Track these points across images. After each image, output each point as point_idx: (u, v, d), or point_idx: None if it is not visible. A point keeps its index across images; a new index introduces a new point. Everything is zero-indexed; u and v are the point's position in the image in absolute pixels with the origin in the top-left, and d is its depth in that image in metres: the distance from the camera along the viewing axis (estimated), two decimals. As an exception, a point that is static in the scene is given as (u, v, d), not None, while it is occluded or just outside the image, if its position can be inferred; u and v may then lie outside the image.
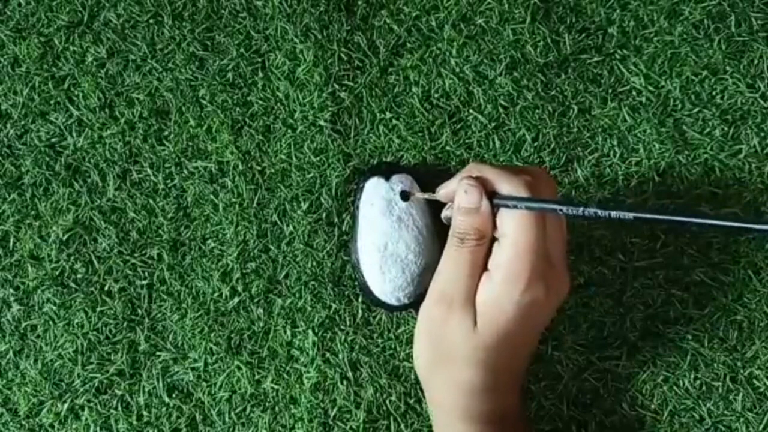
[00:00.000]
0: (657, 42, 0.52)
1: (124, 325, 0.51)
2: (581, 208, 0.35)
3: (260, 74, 0.54)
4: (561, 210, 0.36)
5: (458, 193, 0.39)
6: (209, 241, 0.52)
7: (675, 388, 0.49)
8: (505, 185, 0.37)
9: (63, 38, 0.55)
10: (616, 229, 0.50)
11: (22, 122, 0.54)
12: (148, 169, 0.53)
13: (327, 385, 0.50)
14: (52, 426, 0.50)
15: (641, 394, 0.49)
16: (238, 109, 0.53)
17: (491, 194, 0.38)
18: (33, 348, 0.51)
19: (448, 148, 0.52)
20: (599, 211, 0.35)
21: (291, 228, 0.52)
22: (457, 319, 0.38)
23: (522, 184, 0.37)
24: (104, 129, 0.54)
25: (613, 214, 0.34)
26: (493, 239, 0.38)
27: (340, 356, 0.50)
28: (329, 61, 0.53)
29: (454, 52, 0.53)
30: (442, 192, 0.42)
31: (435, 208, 0.50)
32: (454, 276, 0.38)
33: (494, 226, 0.38)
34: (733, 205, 0.50)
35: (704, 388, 0.49)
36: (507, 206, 0.37)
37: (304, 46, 0.53)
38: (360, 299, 0.50)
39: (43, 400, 0.51)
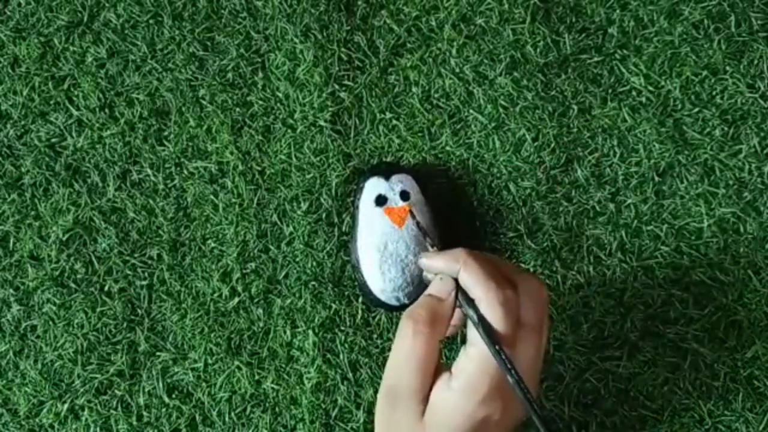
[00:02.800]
0: (657, 42, 0.52)
1: (124, 325, 0.51)
2: (519, 389, 0.33)
3: (260, 74, 0.54)
4: (508, 374, 0.34)
5: (435, 279, 0.38)
6: (209, 242, 0.52)
7: (675, 388, 0.49)
8: (480, 294, 0.35)
9: (63, 38, 0.55)
10: (616, 229, 0.50)
11: (22, 122, 0.54)
12: (148, 170, 0.53)
13: (328, 386, 0.50)
14: (52, 426, 0.50)
15: (642, 395, 0.49)
16: (238, 109, 0.53)
17: (464, 292, 0.36)
18: (33, 348, 0.51)
19: (448, 148, 0.52)
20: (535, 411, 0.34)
21: (291, 228, 0.52)
22: (401, 413, 0.36)
23: (497, 303, 0.34)
24: (104, 129, 0.54)
25: None
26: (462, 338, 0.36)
27: (341, 357, 0.50)
28: (329, 61, 0.53)
29: (454, 52, 0.53)
30: (424, 261, 0.39)
31: (435, 208, 0.50)
32: (400, 371, 0.36)
33: (464, 324, 0.36)
34: (732, 206, 0.50)
35: (704, 388, 0.48)
36: (466, 315, 0.36)
37: (304, 46, 0.53)
38: (360, 300, 0.50)
39: (43, 400, 0.51)
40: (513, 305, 0.35)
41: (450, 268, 0.37)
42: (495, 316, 0.34)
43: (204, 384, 0.50)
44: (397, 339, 0.37)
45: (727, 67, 0.52)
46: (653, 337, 0.49)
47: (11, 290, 0.52)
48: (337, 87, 0.53)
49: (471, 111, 0.52)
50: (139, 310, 0.51)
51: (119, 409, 0.50)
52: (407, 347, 0.36)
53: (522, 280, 0.36)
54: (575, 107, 0.52)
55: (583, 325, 0.49)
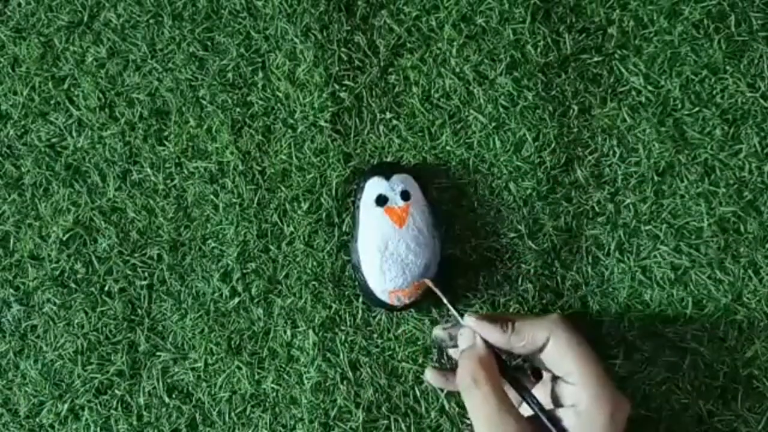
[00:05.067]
0: (657, 42, 0.52)
1: (124, 325, 0.51)
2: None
3: (260, 74, 0.54)
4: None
5: (461, 334, 0.42)
6: (209, 242, 0.52)
7: (674, 387, 0.49)
8: (485, 333, 0.40)
9: (63, 38, 0.55)
10: (614, 229, 0.50)
11: (22, 122, 0.54)
12: (148, 170, 0.53)
13: (327, 386, 0.50)
14: (52, 426, 0.50)
15: (640, 394, 0.49)
16: (238, 109, 0.53)
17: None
18: (33, 348, 0.51)
19: (448, 148, 0.52)
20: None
21: (291, 228, 0.52)
22: None
23: (495, 332, 0.40)
24: (104, 129, 0.54)
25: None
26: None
27: (341, 356, 0.50)
28: (329, 61, 0.53)
29: (454, 52, 0.53)
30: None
31: (435, 208, 0.50)
32: (494, 422, 0.37)
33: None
34: (733, 205, 0.50)
35: (703, 387, 0.49)
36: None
37: (304, 46, 0.53)
38: (360, 299, 0.50)
39: (44, 400, 0.51)
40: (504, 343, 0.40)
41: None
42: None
43: (204, 384, 0.50)
44: (470, 406, 0.39)
45: (727, 67, 0.52)
46: (652, 336, 0.49)
47: (11, 290, 0.52)
48: (337, 87, 0.53)
49: (471, 111, 0.52)
50: (139, 310, 0.51)
51: (119, 409, 0.50)
52: (480, 400, 0.38)
53: (523, 323, 0.40)
54: (575, 107, 0.52)
55: (580, 325, 0.49)
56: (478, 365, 0.39)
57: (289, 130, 0.53)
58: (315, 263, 0.51)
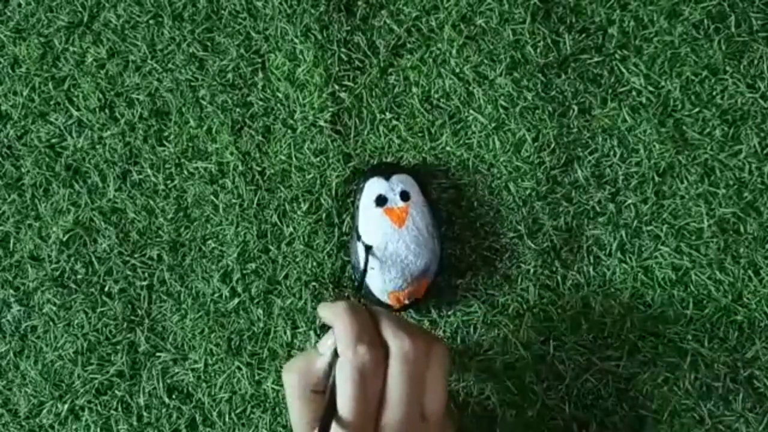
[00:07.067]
0: (657, 42, 0.52)
1: (124, 325, 0.51)
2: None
3: (260, 75, 0.54)
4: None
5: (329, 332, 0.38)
6: (209, 242, 0.52)
7: (675, 388, 0.49)
8: (341, 353, 0.36)
9: (63, 39, 0.55)
10: (615, 229, 0.50)
11: (22, 123, 0.54)
12: (148, 170, 0.53)
13: (327, 386, 0.50)
14: (52, 427, 0.50)
15: (642, 395, 0.49)
16: (238, 109, 0.53)
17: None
18: (33, 349, 0.51)
19: (448, 148, 0.52)
20: None
21: (291, 228, 0.52)
22: None
23: (347, 364, 0.35)
24: (104, 129, 0.54)
25: None
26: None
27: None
28: (329, 62, 0.53)
29: (454, 52, 0.53)
30: (318, 310, 0.40)
31: (435, 208, 0.50)
32: (294, 426, 0.37)
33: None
34: (733, 205, 0.50)
35: (704, 388, 0.48)
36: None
37: (304, 47, 0.53)
38: (360, 300, 0.50)
39: (44, 400, 0.51)
40: (367, 370, 0.34)
41: (329, 322, 0.37)
42: (342, 377, 0.34)
43: (204, 384, 0.50)
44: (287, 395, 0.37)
45: (727, 67, 0.52)
46: (653, 337, 0.49)
47: (11, 290, 0.52)
48: (337, 87, 0.53)
49: (471, 111, 0.52)
50: (139, 311, 0.51)
51: (119, 409, 0.50)
52: (289, 404, 0.37)
53: (393, 343, 0.35)
54: (575, 107, 0.52)
55: (582, 326, 0.49)
56: (306, 364, 0.37)
57: (289, 131, 0.53)
58: (315, 264, 0.51)
